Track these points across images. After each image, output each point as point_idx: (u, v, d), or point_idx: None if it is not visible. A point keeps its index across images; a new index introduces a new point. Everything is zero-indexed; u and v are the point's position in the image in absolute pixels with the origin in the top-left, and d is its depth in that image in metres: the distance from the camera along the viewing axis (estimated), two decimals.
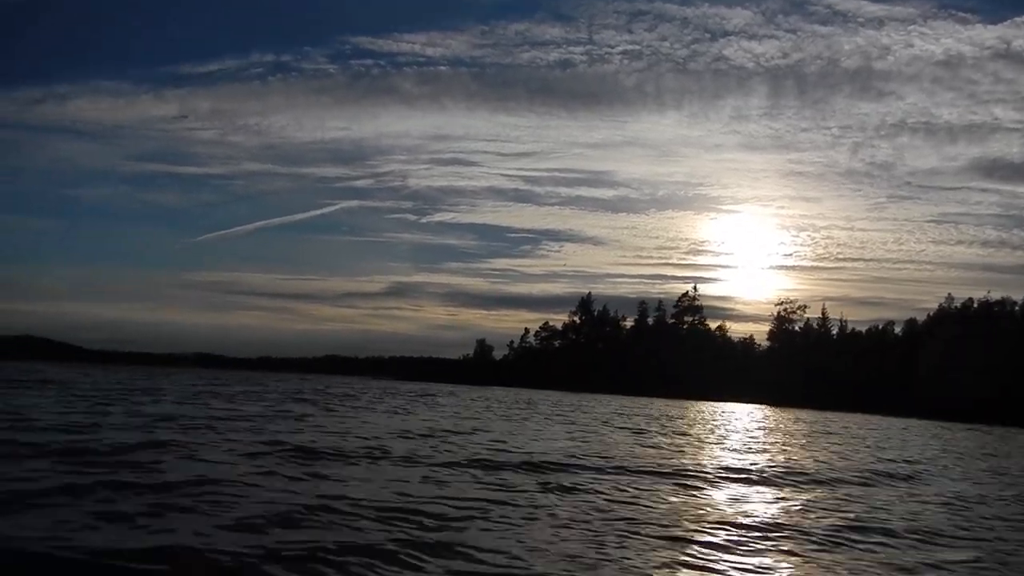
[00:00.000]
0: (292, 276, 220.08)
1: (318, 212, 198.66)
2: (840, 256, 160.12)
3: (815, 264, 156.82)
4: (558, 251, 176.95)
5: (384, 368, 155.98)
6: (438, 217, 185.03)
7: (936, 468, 20.26)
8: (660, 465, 15.48)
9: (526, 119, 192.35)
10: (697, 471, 14.89)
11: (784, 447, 23.78)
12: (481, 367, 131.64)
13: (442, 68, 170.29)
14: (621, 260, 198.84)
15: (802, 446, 24.77)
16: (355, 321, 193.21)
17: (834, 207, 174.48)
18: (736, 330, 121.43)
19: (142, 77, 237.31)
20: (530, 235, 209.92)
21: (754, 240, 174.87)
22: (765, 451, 21.52)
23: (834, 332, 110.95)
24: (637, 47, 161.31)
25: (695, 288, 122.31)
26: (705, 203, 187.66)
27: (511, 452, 15.93)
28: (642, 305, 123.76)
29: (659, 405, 63.85)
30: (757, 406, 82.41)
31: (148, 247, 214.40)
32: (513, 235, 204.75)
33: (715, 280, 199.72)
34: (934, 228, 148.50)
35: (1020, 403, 79.82)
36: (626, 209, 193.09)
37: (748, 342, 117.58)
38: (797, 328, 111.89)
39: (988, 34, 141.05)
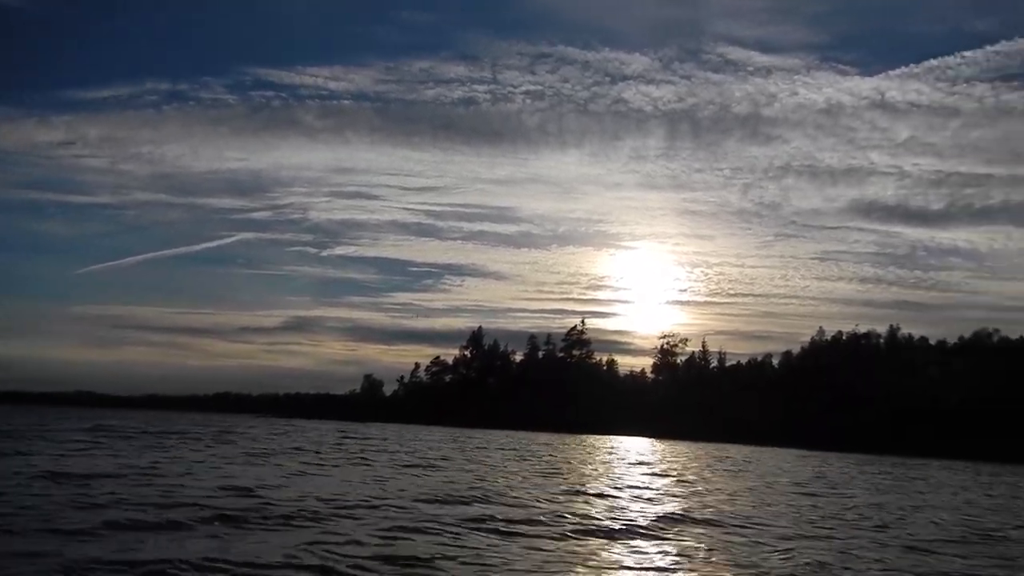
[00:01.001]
0: (185, 310, 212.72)
1: (214, 244, 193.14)
2: (731, 291, 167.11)
3: (708, 299, 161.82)
4: (460, 285, 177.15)
5: (279, 405, 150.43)
6: (339, 250, 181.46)
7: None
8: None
9: (430, 154, 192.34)
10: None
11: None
12: (369, 403, 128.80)
13: (345, 102, 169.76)
14: (522, 295, 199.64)
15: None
16: (251, 357, 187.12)
17: (726, 244, 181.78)
18: (633, 364, 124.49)
19: (27, 101, 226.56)
20: (432, 269, 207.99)
21: (651, 276, 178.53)
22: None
23: (713, 365, 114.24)
24: (540, 87, 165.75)
25: (583, 322, 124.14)
26: (605, 239, 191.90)
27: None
28: (532, 339, 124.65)
29: (535, 440, 63.69)
30: (641, 439, 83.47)
31: (32, 278, 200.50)
32: (415, 269, 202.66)
33: (614, 315, 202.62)
34: (817, 265, 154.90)
35: (885, 432, 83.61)
36: (528, 244, 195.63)
37: (635, 375, 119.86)
38: (679, 361, 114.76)
39: (865, 85, 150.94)
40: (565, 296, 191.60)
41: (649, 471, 29.99)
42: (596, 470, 29.26)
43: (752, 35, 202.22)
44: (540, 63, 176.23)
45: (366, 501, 15.18)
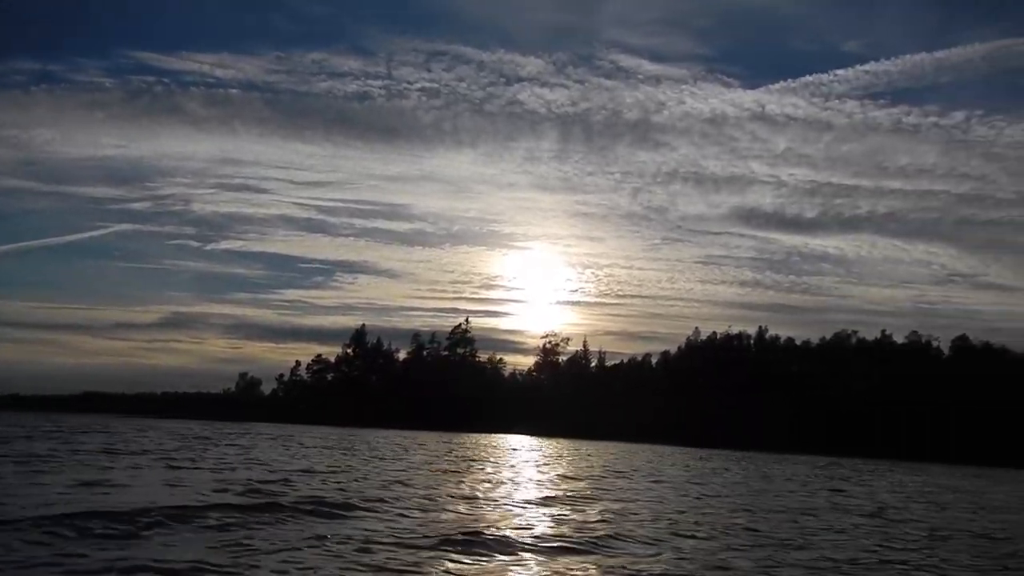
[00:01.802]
0: (55, 305, 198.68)
1: (87, 235, 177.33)
2: (620, 292, 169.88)
3: (597, 300, 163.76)
4: (352, 283, 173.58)
5: (151, 404, 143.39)
6: (224, 244, 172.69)
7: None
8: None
9: (321, 148, 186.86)
10: None
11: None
12: (247, 402, 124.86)
13: (233, 91, 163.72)
14: (416, 293, 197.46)
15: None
16: (127, 354, 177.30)
17: (616, 246, 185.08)
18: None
19: None
20: (323, 266, 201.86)
21: (543, 276, 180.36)
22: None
23: (593, 364, 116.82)
24: (435, 85, 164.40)
25: (467, 320, 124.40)
26: (498, 239, 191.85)
27: None
28: (416, 337, 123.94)
29: (405, 438, 63.15)
30: (522, 437, 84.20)
31: None
32: (305, 266, 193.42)
33: (506, 314, 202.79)
34: (701, 268, 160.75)
35: (754, 429, 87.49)
36: (421, 243, 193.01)
37: (518, 374, 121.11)
38: (561, 360, 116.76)
39: (747, 97, 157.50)
40: (458, 295, 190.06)
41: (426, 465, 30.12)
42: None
43: (643, 44, 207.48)
44: (436, 60, 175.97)
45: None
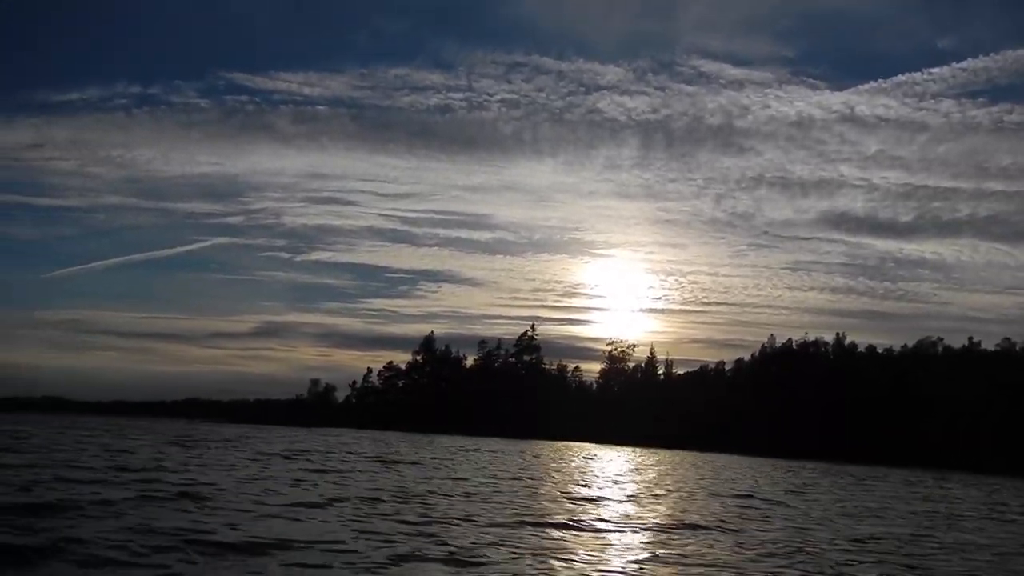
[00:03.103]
0: (155, 315, 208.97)
1: (185, 248, 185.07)
2: (705, 300, 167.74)
3: (682, 307, 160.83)
4: (436, 292, 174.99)
5: (249, 411, 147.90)
6: (314, 256, 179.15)
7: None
8: None
9: (405, 161, 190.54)
10: None
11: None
12: (321, 408, 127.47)
13: (320, 108, 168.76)
14: (498, 301, 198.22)
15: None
16: (222, 362, 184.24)
17: (699, 253, 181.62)
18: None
19: None
20: (408, 275, 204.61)
21: (625, 284, 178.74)
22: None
23: (661, 372, 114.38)
24: (515, 96, 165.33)
25: (533, 327, 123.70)
26: (579, 247, 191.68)
27: None
28: (482, 344, 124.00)
29: (462, 444, 63.08)
30: (588, 444, 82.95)
31: None
32: (390, 275, 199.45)
33: (589, 322, 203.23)
34: (789, 275, 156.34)
35: (832, 439, 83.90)
36: (503, 251, 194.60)
37: (582, 381, 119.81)
38: (628, 367, 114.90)
39: (835, 99, 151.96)
40: (540, 303, 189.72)
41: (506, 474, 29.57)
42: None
43: (724, 48, 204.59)
44: (515, 72, 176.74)
45: None
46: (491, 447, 57.31)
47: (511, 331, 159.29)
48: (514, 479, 25.32)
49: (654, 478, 30.71)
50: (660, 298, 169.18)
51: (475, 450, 49.44)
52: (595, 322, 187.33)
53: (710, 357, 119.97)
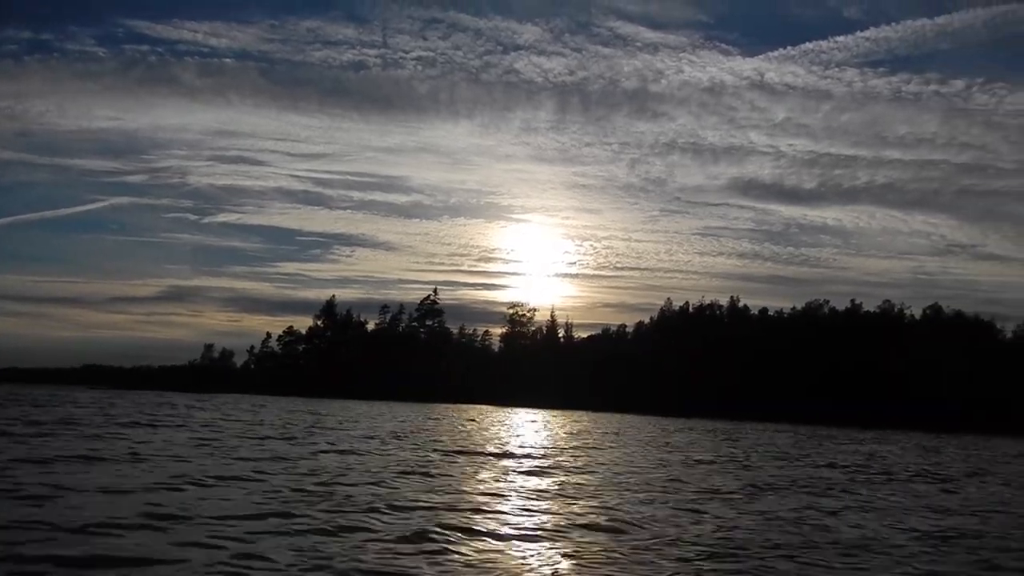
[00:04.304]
0: (51, 278, 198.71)
1: (83, 208, 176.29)
2: (618, 265, 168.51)
3: (596, 272, 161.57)
4: (350, 256, 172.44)
5: (153, 378, 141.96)
6: (221, 218, 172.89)
7: None
8: None
9: (317, 119, 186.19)
10: None
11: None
12: (217, 374, 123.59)
13: (227, 60, 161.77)
14: (413, 266, 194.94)
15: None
16: (124, 328, 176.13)
17: (613, 219, 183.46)
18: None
19: None
20: (320, 239, 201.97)
21: (541, 248, 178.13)
22: None
23: (561, 336, 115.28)
24: (431, 54, 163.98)
25: (435, 291, 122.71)
26: (496, 212, 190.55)
27: None
28: (384, 309, 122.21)
29: (345, 408, 62.00)
30: (486, 407, 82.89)
31: None
32: (302, 238, 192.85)
33: (505, 287, 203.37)
34: (699, 240, 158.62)
35: (725, 398, 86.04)
36: (419, 215, 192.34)
37: (485, 346, 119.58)
38: (528, 331, 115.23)
39: (746, 66, 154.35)
40: (456, 268, 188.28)
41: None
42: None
43: (640, 10, 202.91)
44: (431, 28, 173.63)
45: None
46: (370, 411, 56.41)
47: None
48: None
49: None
50: (575, 263, 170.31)
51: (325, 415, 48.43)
52: (511, 287, 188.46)
53: (624, 321, 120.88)
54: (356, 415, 44.72)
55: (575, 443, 26.88)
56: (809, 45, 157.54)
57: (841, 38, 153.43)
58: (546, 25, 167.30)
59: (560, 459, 20.00)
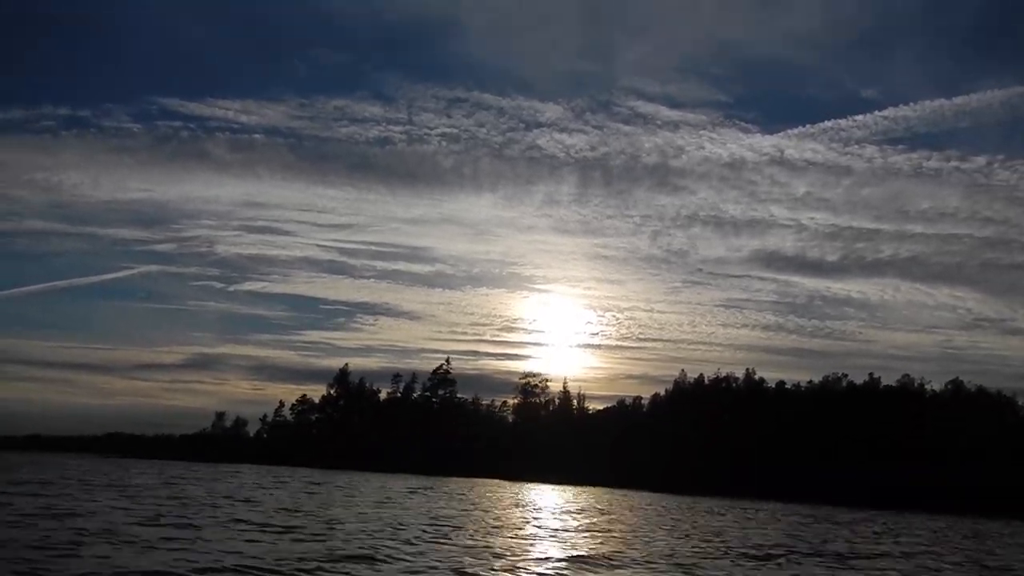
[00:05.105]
0: (78, 344, 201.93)
1: (111, 276, 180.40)
2: (641, 336, 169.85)
3: (618, 343, 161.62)
4: (373, 324, 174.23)
5: (174, 447, 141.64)
6: (247, 286, 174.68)
7: None
8: None
9: (344, 192, 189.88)
10: None
11: None
12: (228, 443, 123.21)
13: (257, 136, 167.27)
14: (436, 335, 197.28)
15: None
16: (148, 395, 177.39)
17: (636, 289, 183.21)
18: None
19: None
20: (344, 307, 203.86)
21: (563, 319, 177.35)
22: None
23: (575, 407, 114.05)
24: (455, 131, 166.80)
25: (448, 361, 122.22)
26: (519, 282, 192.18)
27: None
28: (396, 378, 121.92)
29: (365, 483, 61.20)
30: (497, 481, 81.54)
31: None
32: (327, 307, 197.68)
33: (527, 357, 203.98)
34: (722, 312, 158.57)
35: (739, 475, 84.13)
36: (442, 285, 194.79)
37: (497, 416, 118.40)
38: (541, 402, 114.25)
39: (765, 142, 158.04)
40: (478, 337, 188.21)
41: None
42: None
43: (660, 91, 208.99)
44: (456, 107, 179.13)
45: None
46: (355, 484, 55.58)
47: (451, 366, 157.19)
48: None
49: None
50: (597, 334, 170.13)
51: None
52: (533, 357, 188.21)
53: (647, 392, 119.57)
54: (372, 496, 43.83)
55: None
56: (828, 123, 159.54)
57: (860, 117, 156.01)
58: (567, 104, 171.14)
59: None
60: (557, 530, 24.85)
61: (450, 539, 19.76)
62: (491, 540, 20.06)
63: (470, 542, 19.25)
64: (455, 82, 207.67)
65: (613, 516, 34.40)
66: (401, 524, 23.12)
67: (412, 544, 18.17)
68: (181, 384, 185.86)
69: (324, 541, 17.64)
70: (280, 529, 19.66)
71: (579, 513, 34.77)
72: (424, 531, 21.41)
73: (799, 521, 39.23)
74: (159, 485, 38.21)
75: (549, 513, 33.63)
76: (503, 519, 28.05)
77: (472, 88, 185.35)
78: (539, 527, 25.60)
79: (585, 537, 22.88)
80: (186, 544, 15.80)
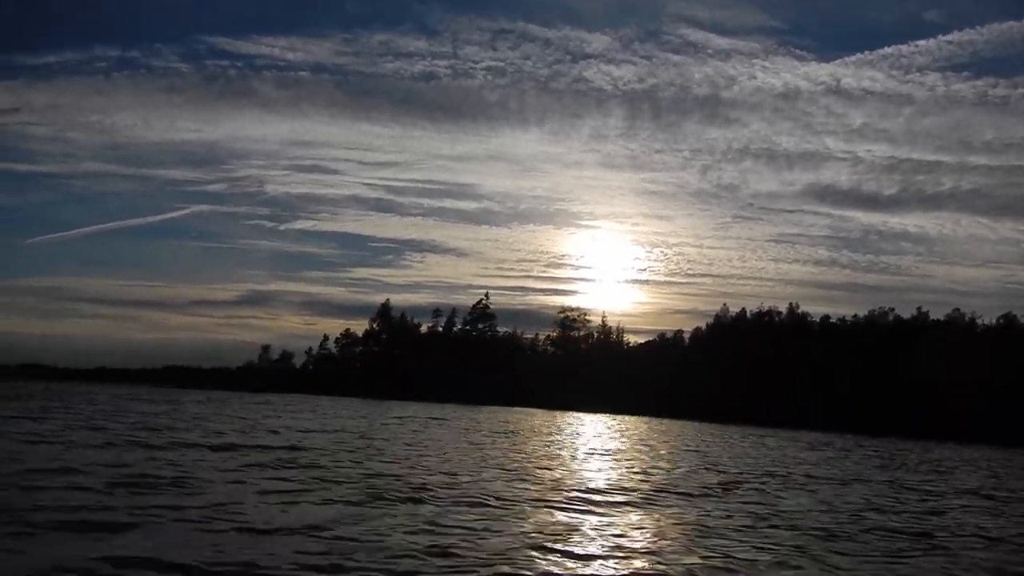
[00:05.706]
0: (136, 283, 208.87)
1: (166, 216, 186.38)
2: (690, 272, 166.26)
3: (667, 279, 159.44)
4: (421, 261, 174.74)
5: (232, 379, 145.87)
6: (297, 225, 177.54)
7: None
8: None
9: (389, 129, 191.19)
10: None
11: None
12: (275, 375, 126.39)
13: (303, 73, 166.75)
14: (483, 272, 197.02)
15: None
16: (205, 330, 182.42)
17: (685, 225, 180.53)
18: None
19: None
20: (392, 245, 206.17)
21: (611, 255, 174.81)
22: None
23: (613, 339, 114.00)
24: (501, 64, 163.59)
25: (487, 296, 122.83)
26: (565, 218, 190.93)
27: None
28: (437, 312, 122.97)
29: (404, 410, 62.41)
30: (535, 410, 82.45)
31: None
32: (375, 244, 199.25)
33: (574, 293, 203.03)
34: (773, 247, 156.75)
35: (775, 405, 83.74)
36: (488, 222, 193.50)
37: (537, 350, 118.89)
38: (580, 335, 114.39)
39: (821, 71, 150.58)
40: (525, 274, 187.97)
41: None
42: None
43: (711, 17, 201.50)
44: (501, 39, 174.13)
45: None
46: (417, 412, 56.70)
47: (497, 302, 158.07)
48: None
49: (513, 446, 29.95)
50: (645, 269, 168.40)
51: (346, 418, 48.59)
52: (580, 292, 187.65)
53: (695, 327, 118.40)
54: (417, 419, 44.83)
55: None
56: (888, 50, 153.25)
57: (922, 42, 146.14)
58: (615, 34, 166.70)
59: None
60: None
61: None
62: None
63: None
64: (499, 13, 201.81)
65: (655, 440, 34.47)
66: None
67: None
68: (236, 319, 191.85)
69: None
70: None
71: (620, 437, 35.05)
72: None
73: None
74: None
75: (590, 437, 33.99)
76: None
77: (517, 19, 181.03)
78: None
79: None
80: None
